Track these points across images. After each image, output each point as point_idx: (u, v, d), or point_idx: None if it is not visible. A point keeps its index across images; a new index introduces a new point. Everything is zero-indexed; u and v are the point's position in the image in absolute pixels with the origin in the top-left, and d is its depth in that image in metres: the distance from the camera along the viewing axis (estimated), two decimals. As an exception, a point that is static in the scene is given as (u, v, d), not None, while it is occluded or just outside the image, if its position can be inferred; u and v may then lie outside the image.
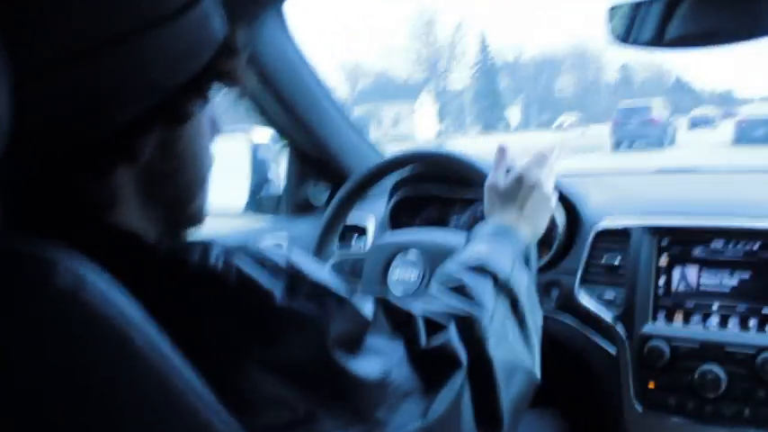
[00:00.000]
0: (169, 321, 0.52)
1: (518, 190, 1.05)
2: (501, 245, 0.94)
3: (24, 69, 0.51)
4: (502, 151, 1.13)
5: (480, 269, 0.86)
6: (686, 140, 18.89)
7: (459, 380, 0.68)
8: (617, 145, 17.83)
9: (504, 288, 0.85)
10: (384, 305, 0.68)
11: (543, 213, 1.07)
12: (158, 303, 0.53)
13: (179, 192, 0.66)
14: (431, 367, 0.67)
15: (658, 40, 1.00)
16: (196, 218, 0.70)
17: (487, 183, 1.10)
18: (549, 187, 1.07)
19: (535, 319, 0.88)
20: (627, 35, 1.03)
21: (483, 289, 0.82)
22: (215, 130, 0.71)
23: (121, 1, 0.54)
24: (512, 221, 1.02)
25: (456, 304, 0.79)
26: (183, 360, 0.50)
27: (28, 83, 0.51)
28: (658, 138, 17.36)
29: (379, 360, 0.62)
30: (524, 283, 0.89)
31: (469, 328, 0.75)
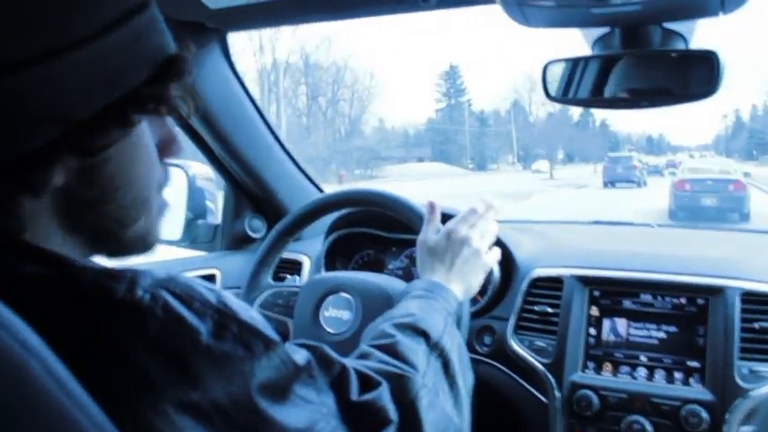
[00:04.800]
0: (87, 350, 0.49)
1: (447, 247, 1.06)
2: (433, 304, 0.94)
3: None
4: (432, 207, 1.13)
5: (412, 328, 0.85)
6: (651, 183, 23.83)
7: None
8: (605, 184, 23.38)
9: (435, 348, 0.84)
10: (318, 355, 0.66)
11: (474, 270, 1.07)
12: (78, 330, 0.50)
13: (108, 220, 0.61)
14: (360, 422, 0.65)
15: (595, 99, 1.03)
16: (136, 245, 0.65)
17: (419, 239, 1.11)
18: (479, 244, 1.07)
19: (466, 381, 0.88)
20: (565, 92, 1.06)
21: (416, 349, 0.82)
22: (170, 150, 0.67)
23: (23, 24, 0.50)
24: (443, 279, 1.02)
25: (390, 362, 0.77)
26: (92, 394, 0.47)
27: None
28: (638, 180, 23.25)
29: (306, 409, 0.60)
30: (456, 344, 0.89)
31: (402, 388, 0.74)
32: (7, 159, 0.52)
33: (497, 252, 1.13)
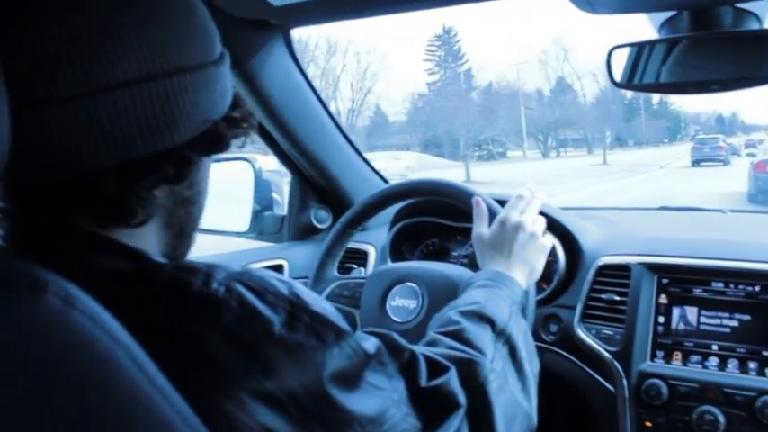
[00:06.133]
0: (165, 341, 0.52)
1: (502, 236, 1.06)
2: (496, 292, 0.95)
3: (99, 86, 0.54)
4: (477, 202, 1.15)
5: (478, 315, 0.86)
6: (734, 162, 25.19)
7: (456, 421, 0.68)
8: (694, 163, 25.70)
9: (501, 335, 0.85)
10: (388, 342, 0.68)
11: (534, 253, 1.07)
12: (155, 322, 0.53)
13: (192, 221, 0.68)
14: (429, 407, 0.67)
15: (663, 84, 1.01)
16: (190, 247, 0.71)
17: (473, 234, 1.12)
18: (533, 227, 1.08)
19: (533, 367, 0.88)
20: (631, 78, 1.04)
21: (482, 335, 0.83)
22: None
23: (182, 42, 0.59)
24: (504, 268, 1.03)
25: (457, 348, 0.79)
26: (170, 383, 0.50)
27: (102, 96, 0.54)
28: (724, 159, 25.70)
29: (378, 396, 0.62)
30: (522, 331, 0.90)
31: (471, 372, 0.75)
32: (165, 149, 0.59)
33: (550, 236, 1.13)
